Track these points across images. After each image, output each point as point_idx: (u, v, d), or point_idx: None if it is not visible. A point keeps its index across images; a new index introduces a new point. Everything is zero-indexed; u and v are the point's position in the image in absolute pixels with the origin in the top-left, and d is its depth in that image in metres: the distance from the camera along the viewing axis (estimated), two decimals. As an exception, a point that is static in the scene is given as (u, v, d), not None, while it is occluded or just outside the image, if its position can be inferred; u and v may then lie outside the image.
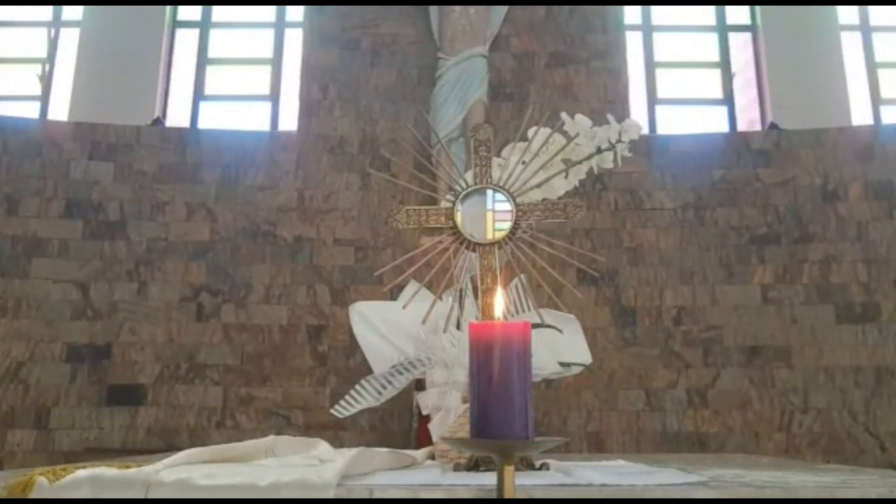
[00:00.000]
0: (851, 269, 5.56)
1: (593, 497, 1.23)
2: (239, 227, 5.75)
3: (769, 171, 5.83)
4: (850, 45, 6.37)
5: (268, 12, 6.60)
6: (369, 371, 2.02)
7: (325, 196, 5.86)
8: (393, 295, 2.13)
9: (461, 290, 1.93)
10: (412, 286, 1.90)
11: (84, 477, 1.23)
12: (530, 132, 1.98)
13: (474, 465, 1.66)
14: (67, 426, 5.25)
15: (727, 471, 1.71)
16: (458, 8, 5.90)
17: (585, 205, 1.79)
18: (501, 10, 6.11)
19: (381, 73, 6.16)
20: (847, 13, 6.46)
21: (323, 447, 1.82)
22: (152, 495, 1.22)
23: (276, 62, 6.45)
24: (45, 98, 6.29)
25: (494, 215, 1.71)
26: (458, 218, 1.70)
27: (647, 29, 6.57)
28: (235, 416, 5.39)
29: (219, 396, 5.40)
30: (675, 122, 6.37)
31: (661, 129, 6.30)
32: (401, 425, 5.13)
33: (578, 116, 2.06)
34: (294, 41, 6.45)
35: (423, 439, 2.73)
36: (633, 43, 6.47)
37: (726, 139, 6.07)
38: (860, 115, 6.15)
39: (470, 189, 1.72)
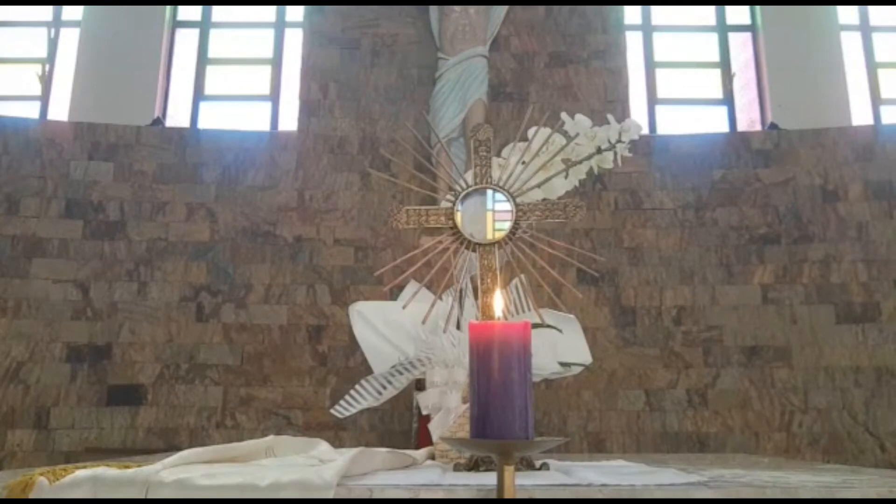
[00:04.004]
0: (851, 269, 5.56)
1: (593, 497, 1.23)
2: (239, 227, 5.75)
3: (769, 171, 5.84)
4: (850, 45, 6.37)
5: (268, 12, 6.60)
6: (369, 371, 2.02)
7: (325, 196, 5.86)
8: (393, 295, 2.13)
9: (461, 290, 1.93)
10: (412, 286, 1.90)
11: (84, 477, 1.23)
12: (530, 132, 1.98)
13: (474, 465, 1.66)
14: (67, 426, 5.25)
15: (727, 471, 1.71)
16: (458, 8, 5.90)
17: (585, 205, 1.79)
18: (501, 10, 6.11)
19: (381, 73, 6.16)
20: (847, 13, 6.46)
21: (323, 447, 1.82)
22: (152, 495, 1.22)
23: (276, 62, 6.45)
24: (45, 98, 6.29)
25: (494, 215, 1.70)
26: (458, 218, 1.70)
27: (647, 29, 6.57)
28: (235, 416, 5.39)
29: (219, 396, 5.40)
30: (675, 122, 6.37)
31: (661, 129, 6.30)
32: (401, 425, 5.13)
33: (578, 116, 2.06)
34: (294, 41, 6.45)
35: (423, 439, 2.73)
36: (633, 43, 6.47)
37: (726, 139, 6.08)
38: (860, 115, 6.15)
39: (470, 189, 1.72)
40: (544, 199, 1.91)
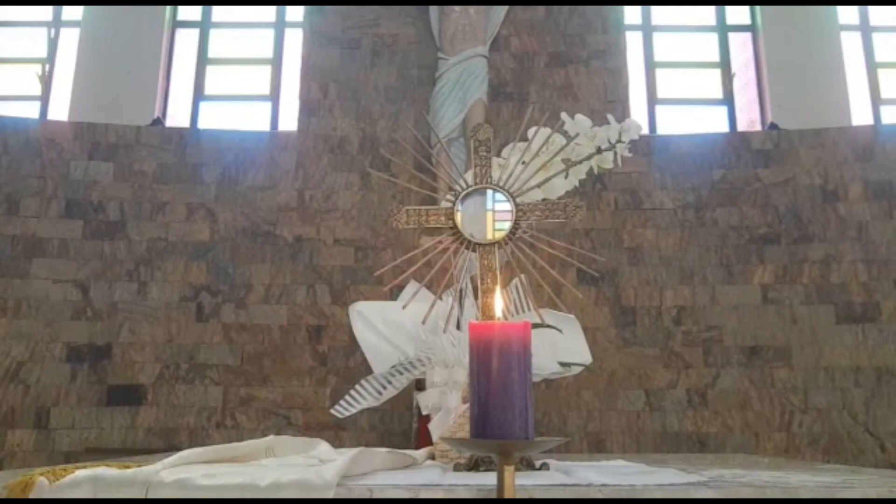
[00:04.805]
0: (851, 269, 5.56)
1: (593, 497, 1.23)
2: (239, 227, 5.75)
3: (769, 171, 5.83)
4: (850, 45, 6.37)
5: (268, 12, 6.60)
6: (369, 371, 2.02)
7: (325, 196, 5.86)
8: (393, 295, 2.13)
9: (461, 290, 1.93)
10: (412, 286, 1.90)
11: (84, 477, 1.23)
12: (530, 132, 1.98)
13: (474, 465, 1.66)
14: (67, 426, 5.25)
15: (727, 471, 1.71)
16: (458, 8, 5.90)
17: (585, 205, 1.78)
18: (501, 10, 6.11)
19: (381, 73, 6.16)
20: (847, 13, 6.46)
21: (323, 447, 1.82)
22: (152, 495, 1.22)
23: (276, 62, 6.45)
24: (45, 98, 6.29)
25: (494, 215, 1.70)
26: (458, 218, 1.70)
27: (648, 29, 6.57)
28: (235, 416, 5.39)
29: (219, 396, 5.40)
30: (675, 122, 6.37)
31: (661, 129, 6.30)
32: (401, 425, 5.13)
33: (578, 116, 2.06)
34: (294, 41, 6.45)
35: (423, 439, 2.73)
36: (633, 43, 6.47)
37: (726, 139, 6.08)
38: (860, 115, 6.15)
39: (470, 189, 1.72)
40: (544, 199, 1.91)
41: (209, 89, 6.46)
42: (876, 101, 6.29)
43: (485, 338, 1.09)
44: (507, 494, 1.05)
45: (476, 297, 1.78)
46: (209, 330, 5.53)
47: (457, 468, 1.68)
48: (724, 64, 6.50)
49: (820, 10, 6.29)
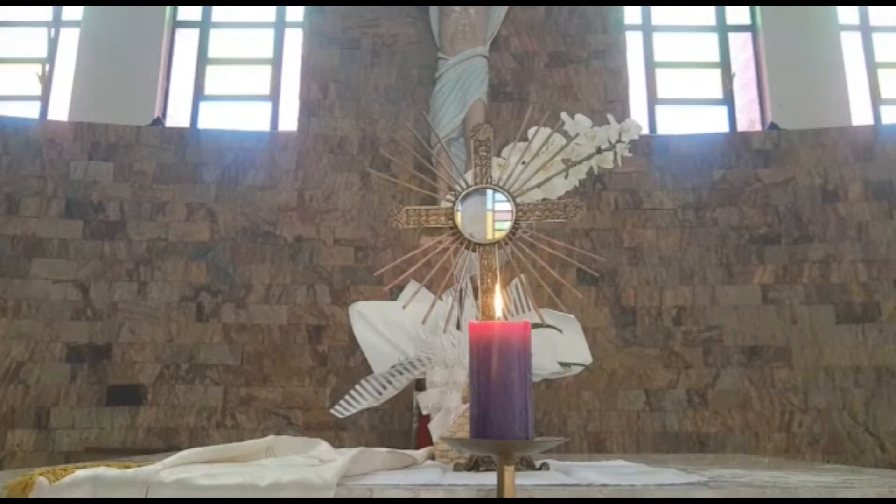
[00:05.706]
0: (851, 269, 5.56)
1: (593, 497, 1.23)
2: (239, 227, 5.75)
3: (769, 171, 5.84)
4: (850, 45, 6.37)
5: (268, 12, 6.60)
6: (369, 371, 2.02)
7: (325, 196, 5.86)
8: (393, 295, 2.13)
9: (461, 290, 1.93)
10: (412, 286, 1.90)
11: (84, 477, 1.23)
12: (530, 132, 1.98)
13: (474, 465, 1.66)
14: (67, 426, 5.25)
15: (727, 471, 1.71)
16: (458, 8, 5.90)
17: (585, 205, 1.78)
18: (501, 10, 6.11)
19: (381, 73, 6.16)
20: (847, 13, 6.46)
21: (323, 447, 1.82)
22: (152, 495, 1.22)
23: (276, 62, 6.45)
24: (45, 98, 6.29)
25: (494, 215, 1.70)
26: (458, 218, 1.70)
27: (647, 29, 6.57)
28: (235, 416, 5.39)
29: (219, 396, 5.41)
30: (675, 122, 6.37)
31: (661, 129, 6.30)
32: (401, 425, 5.13)
33: (578, 116, 2.06)
34: (294, 41, 6.45)
35: (423, 439, 2.73)
36: (633, 43, 6.47)
37: (726, 139, 6.08)
38: (860, 115, 6.15)
39: (470, 189, 1.72)
40: (544, 199, 1.91)
41: (209, 89, 6.46)
42: (876, 101, 6.29)
43: (485, 338, 1.09)
44: (507, 494, 1.05)
45: (476, 297, 1.78)
46: (209, 330, 5.53)
47: (457, 468, 1.68)
48: (724, 64, 6.50)
49: (820, 10, 6.29)
